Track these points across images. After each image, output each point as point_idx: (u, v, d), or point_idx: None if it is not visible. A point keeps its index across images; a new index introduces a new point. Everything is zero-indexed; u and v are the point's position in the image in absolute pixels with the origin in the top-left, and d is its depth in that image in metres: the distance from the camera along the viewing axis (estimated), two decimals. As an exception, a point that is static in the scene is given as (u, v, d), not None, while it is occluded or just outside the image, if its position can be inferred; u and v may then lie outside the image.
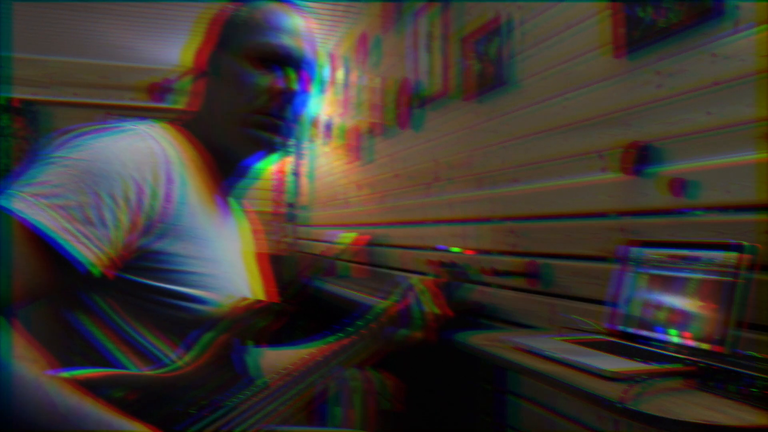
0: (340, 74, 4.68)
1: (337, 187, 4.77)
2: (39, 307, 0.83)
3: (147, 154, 0.83)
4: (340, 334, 1.05)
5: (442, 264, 1.38)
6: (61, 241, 0.73)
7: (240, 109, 0.93)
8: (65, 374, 0.73)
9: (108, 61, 5.73)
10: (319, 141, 5.41)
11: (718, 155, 1.44)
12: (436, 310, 1.19)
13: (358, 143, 4.19)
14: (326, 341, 1.04)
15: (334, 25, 4.70)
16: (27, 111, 5.95)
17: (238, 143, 0.94)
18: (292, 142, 1.02)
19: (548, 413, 2.01)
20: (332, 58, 4.96)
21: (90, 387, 0.73)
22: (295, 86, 0.95)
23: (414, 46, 3.20)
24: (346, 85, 4.54)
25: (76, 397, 0.69)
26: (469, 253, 2.57)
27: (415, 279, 1.23)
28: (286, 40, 0.94)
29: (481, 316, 2.34)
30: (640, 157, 1.65)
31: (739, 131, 1.40)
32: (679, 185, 1.52)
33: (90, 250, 0.76)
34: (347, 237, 3.95)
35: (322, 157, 5.29)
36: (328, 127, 5.05)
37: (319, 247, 5.01)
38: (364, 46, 4.10)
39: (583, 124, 1.91)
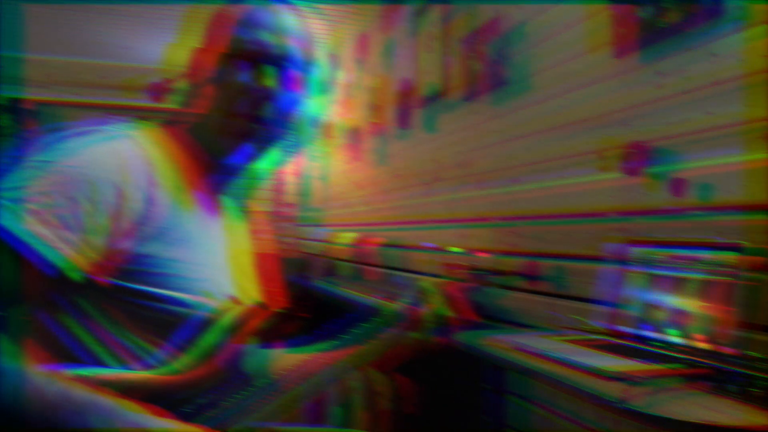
0: (341, 74, 4.68)
1: (338, 188, 4.77)
2: (20, 312, 0.83)
3: (127, 157, 0.83)
4: (349, 338, 1.05)
5: (470, 268, 1.36)
6: (35, 246, 0.73)
7: (218, 110, 0.91)
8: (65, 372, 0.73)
9: (108, 61, 5.73)
10: (319, 141, 5.41)
11: (718, 155, 1.44)
12: (449, 314, 1.18)
13: (359, 143, 4.19)
14: (335, 345, 1.04)
15: (334, 25, 4.70)
16: (27, 111, 5.95)
17: (221, 143, 0.93)
18: (284, 141, 0.99)
19: (548, 413, 2.01)
20: (333, 58, 4.95)
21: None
22: (272, 84, 0.92)
23: (415, 46, 3.20)
24: (348, 85, 4.54)
25: (85, 389, 0.70)
26: (480, 253, 2.57)
27: (426, 282, 1.21)
28: (264, 37, 0.92)
29: (481, 316, 2.34)
30: (640, 157, 1.64)
31: (739, 131, 1.40)
32: (679, 185, 1.52)
33: (67, 255, 0.75)
34: (346, 237, 3.95)
35: (322, 158, 5.28)
36: (329, 127, 5.05)
37: (319, 248, 5.00)
38: (364, 46, 4.10)
39: (584, 124, 1.91)
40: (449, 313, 1.17)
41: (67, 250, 0.75)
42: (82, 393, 0.69)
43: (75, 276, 0.76)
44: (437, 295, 1.17)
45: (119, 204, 0.79)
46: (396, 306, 1.14)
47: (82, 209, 0.76)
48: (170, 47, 0.99)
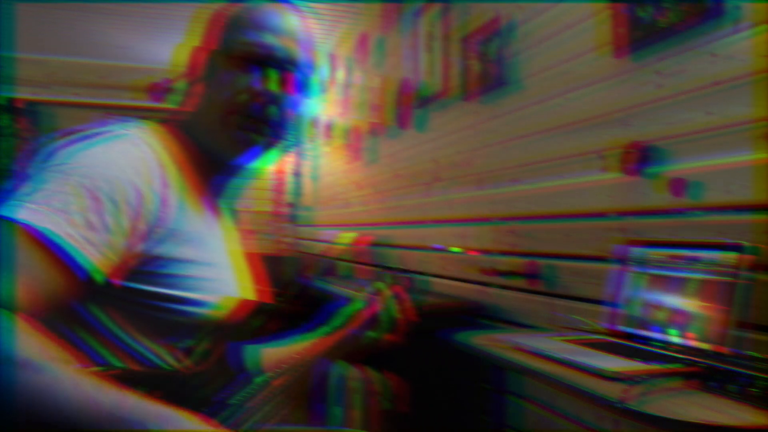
0: (340, 74, 4.68)
1: (337, 188, 4.77)
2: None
3: (142, 158, 0.83)
4: (313, 334, 1.08)
5: (403, 271, 1.41)
6: (66, 246, 0.72)
7: (221, 110, 0.91)
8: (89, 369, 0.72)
9: (108, 61, 5.74)
10: (319, 141, 5.41)
11: (718, 155, 1.44)
12: (400, 315, 1.23)
13: (358, 143, 4.19)
14: (307, 338, 1.07)
15: (334, 25, 4.70)
16: (27, 111, 5.95)
17: (222, 144, 0.93)
18: (284, 142, 1.00)
19: (548, 413, 2.01)
20: (332, 58, 4.96)
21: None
22: (276, 87, 0.92)
23: (414, 46, 3.20)
24: (347, 85, 4.54)
25: (117, 391, 0.67)
26: (472, 252, 2.57)
27: (380, 283, 1.26)
28: (269, 39, 0.92)
29: (481, 316, 2.34)
30: (640, 157, 1.65)
31: (739, 131, 1.40)
32: (679, 185, 1.52)
33: (94, 255, 0.74)
34: (346, 237, 3.95)
35: (323, 158, 5.29)
36: (329, 127, 5.05)
37: (319, 247, 5.00)
38: (364, 46, 4.11)
39: (583, 124, 1.91)
40: (398, 313, 1.21)
41: (92, 251, 0.74)
42: (135, 401, 0.67)
43: (98, 277, 0.76)
44: (389, 295, 1.23)
45: (139, 205, 0.79)
46: (357, 304, 1.20)
47: (104, 209, 0.76)
48: (176, 48, 0.99)
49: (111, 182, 0.77)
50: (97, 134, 0.83)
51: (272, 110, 0.93)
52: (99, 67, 5.75)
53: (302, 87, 0.97)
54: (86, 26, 4.77)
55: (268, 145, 0.96)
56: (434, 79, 2.95)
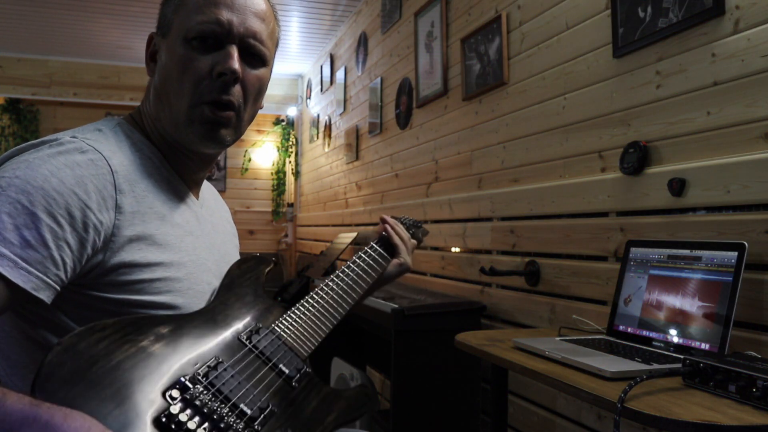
0: (339, 74, 4.68)
1: (337, 187, 4.77)
2: (9, 329, 0.81)
3: (88, 166, 0.79)
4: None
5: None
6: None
7: (185, 98, 0.86)
8: None
9: (108, 61, 5.73)
10: (318, 141, 5.41)
11: (718, 155, 1.44)
12: (413, 240, 1.34)
13: (358, 143, 4.19)
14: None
15: (334, 25, 4.70)
16: (26, 111, 5.95)
17: (190, 137, 0.88)
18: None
19: (548, 413, 2.01)
20: (332, 57, 4.95)
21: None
22: (237, 66, 0.87)
23: (414, 46, 3.20)
24: (346, 84, 4.54)
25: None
26: (472, 253, 2.57)
27: (388, 216, 1.34)
28: (226, 16, 0.86)
29: (481, 316, 2.34)
30: (640, 157, 1.65)
31: (739, 131, 1.40)
32: (679, 185, 1.52)
33: (31, 275, 0.71)
34: (347, 237, 3.95)
35: (321, 157, 5.29)
36: (328, 126, 5.05)
37: (318, 247, 5.00)
38: (363, 46, 4.11)
39: (583, 124, 1.91)
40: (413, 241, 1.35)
41: (27, 269, 0.71)
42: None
43: (42, 295, 0.73)
44: (400, 224, 1.36)
45: (84, 216, 0.76)
46: (375, 238, 1.30)
47: (42, 225, 0.73)
48: None
49: (50, 195, 0.74)
50: (41, 144, 0.80)
51: (237, 90, 0.89)
52: (99, 67, 5.75)
53: (266, 62, 0.93)
54: (86, 26, 4.77)
55: (237, 130, 0.93)
56: (434, 79, 2.95)
